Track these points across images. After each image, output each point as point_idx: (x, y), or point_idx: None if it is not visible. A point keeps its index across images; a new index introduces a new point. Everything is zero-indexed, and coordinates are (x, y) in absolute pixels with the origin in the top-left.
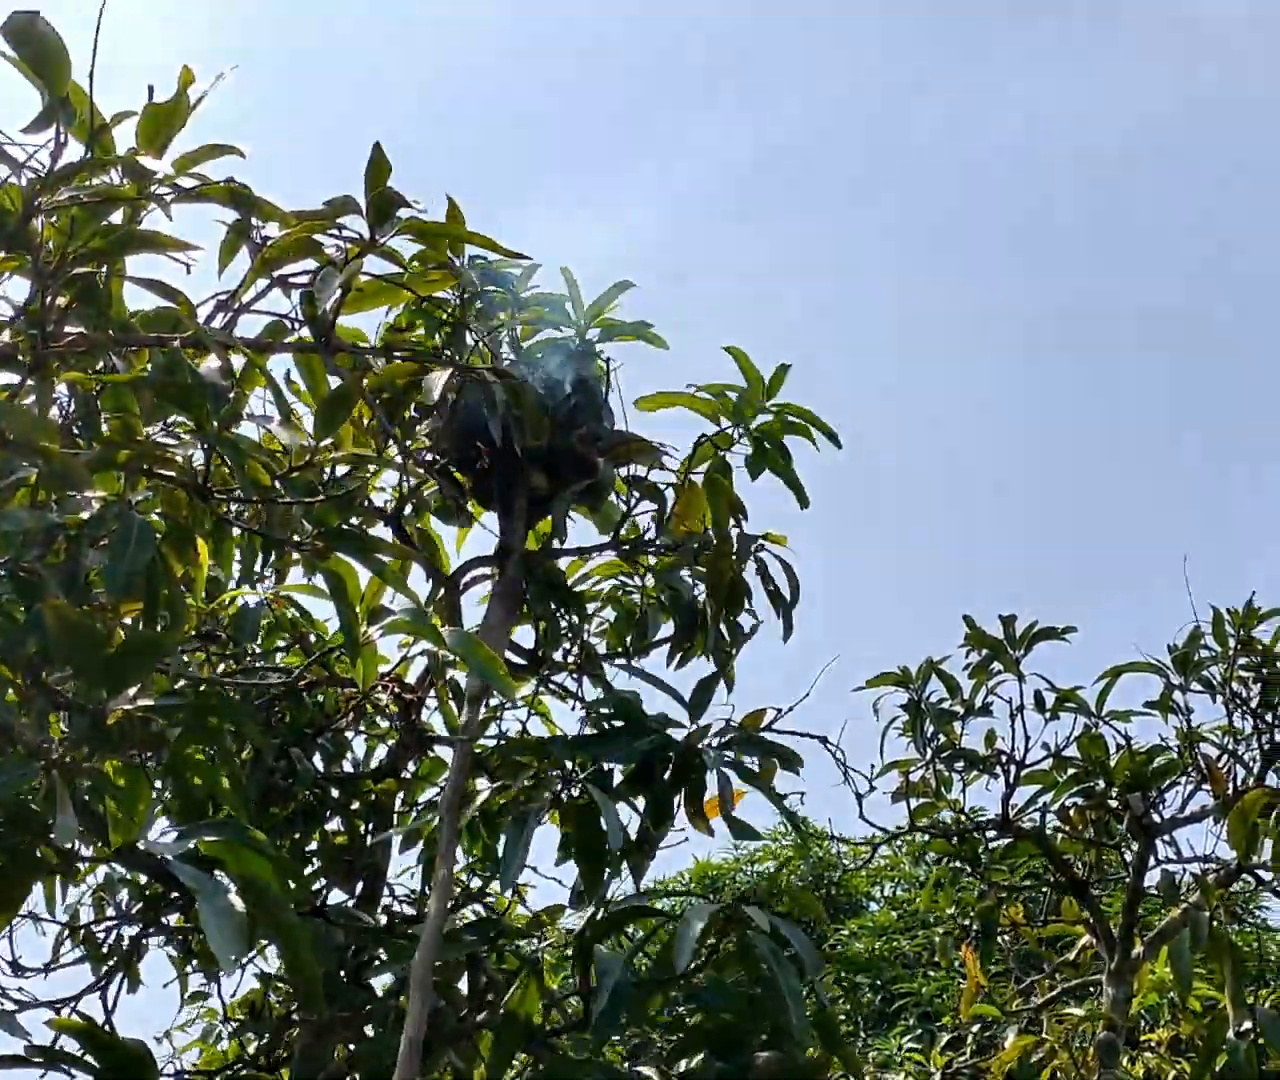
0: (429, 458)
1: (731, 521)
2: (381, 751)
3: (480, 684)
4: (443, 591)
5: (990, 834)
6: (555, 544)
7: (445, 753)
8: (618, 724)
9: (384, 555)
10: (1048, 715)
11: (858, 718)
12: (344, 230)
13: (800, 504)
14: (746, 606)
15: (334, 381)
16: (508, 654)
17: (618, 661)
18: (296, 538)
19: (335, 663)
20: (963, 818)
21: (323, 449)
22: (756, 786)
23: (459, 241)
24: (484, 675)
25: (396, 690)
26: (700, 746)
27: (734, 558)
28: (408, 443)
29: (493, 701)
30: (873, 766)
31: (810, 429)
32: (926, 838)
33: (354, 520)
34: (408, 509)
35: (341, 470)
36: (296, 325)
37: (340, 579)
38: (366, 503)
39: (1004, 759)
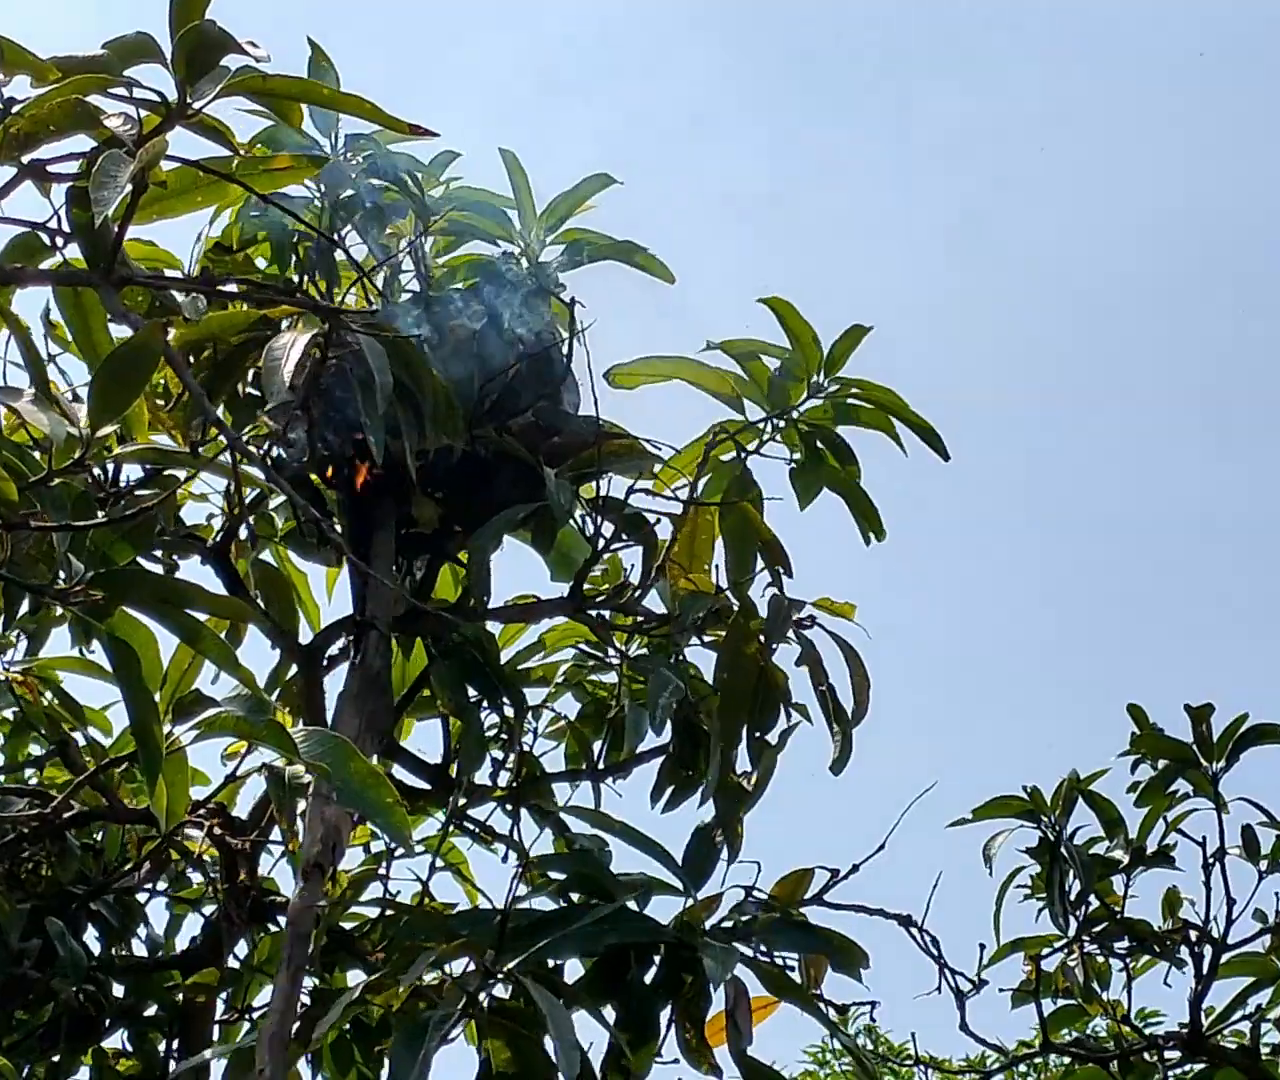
0: (277, 454)
1: (765, 573)
2: (195, 924)
3: (323, 838)
4: (296, 668)
5: (1174, 1055)
6: (474, 600)
7: None
8: (573, 891)
9: (200, 610)
10: (1264, 866)
11: (959, 870)
12: (137, 89)
13: (873, 534)
14: (783, 713)
15: (120, 332)
16: (397, 770)
17: (579, 782)
18: (61, 582)
19: (121, 783)
20: (1128, 1030)
21: (102, 439)
22: (793, 998)
23: (326, 109)
24: (362, 805)
25: (219, 828)
26: (701, 933)
27: (764, 636)
28: (242, 433)
29: (374, 845)
30: (982, 949)
31: (893, 421)
32: (1070, 1062)
33: (155, 553)
34: (242, 533)
35: (133, 472)
36: (60, 241)
37: (130, 651)
38: (174, 527)
39: (1195, 936)
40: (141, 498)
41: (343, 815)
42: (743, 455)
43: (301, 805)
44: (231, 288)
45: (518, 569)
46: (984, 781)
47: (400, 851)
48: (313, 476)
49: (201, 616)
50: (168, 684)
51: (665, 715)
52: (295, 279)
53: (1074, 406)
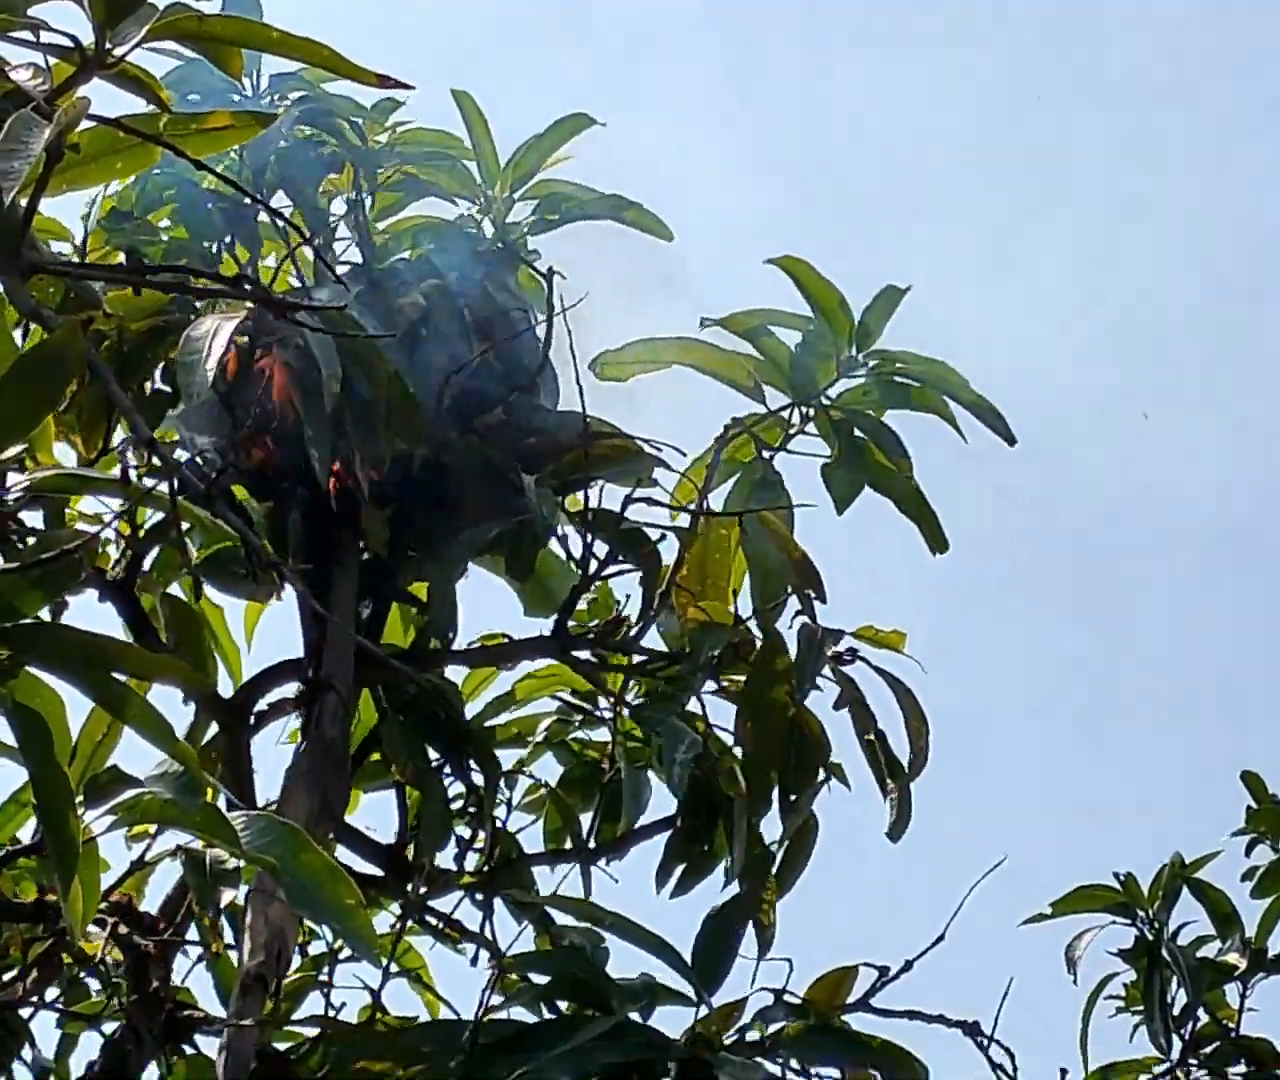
0: (190, 461)
1: (793, 599)
2: (92, 1044)
3: (266, 946)
4: (217, 728)
5: None
6: (436, 640)
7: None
8: (559, 999)
9: (128, 672)
10: None
11: (1038, 971)
12: (44, 33)
13: (933, 546)
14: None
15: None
16: (340, 852)
17: (564, 864)
18: None
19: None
20: None
21: (5, 463)
22: None
23: (273, 54)
24: (315, 906)
25: (124, 927)
26: (719, 1047)
27: (794, 676)
28: (148, 437)
29: (312, 946)
30: (1064, 1075)
31: (946, 400)
32: None
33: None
34: (147, 562)
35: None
36: None
37: (39, 722)
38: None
39: None
40: (57, 537)
41: (288, 916)
42: (765, 454)
43: (227, 896)
44: (130, 270)
45: (479, 604)
46: (1069, 860)
47: (346, 954)
48: (235, 489)
49: (121, 678)
50: (78, 758)
51: (684, 776)
52: (208, 247)
53: (1190, 426)
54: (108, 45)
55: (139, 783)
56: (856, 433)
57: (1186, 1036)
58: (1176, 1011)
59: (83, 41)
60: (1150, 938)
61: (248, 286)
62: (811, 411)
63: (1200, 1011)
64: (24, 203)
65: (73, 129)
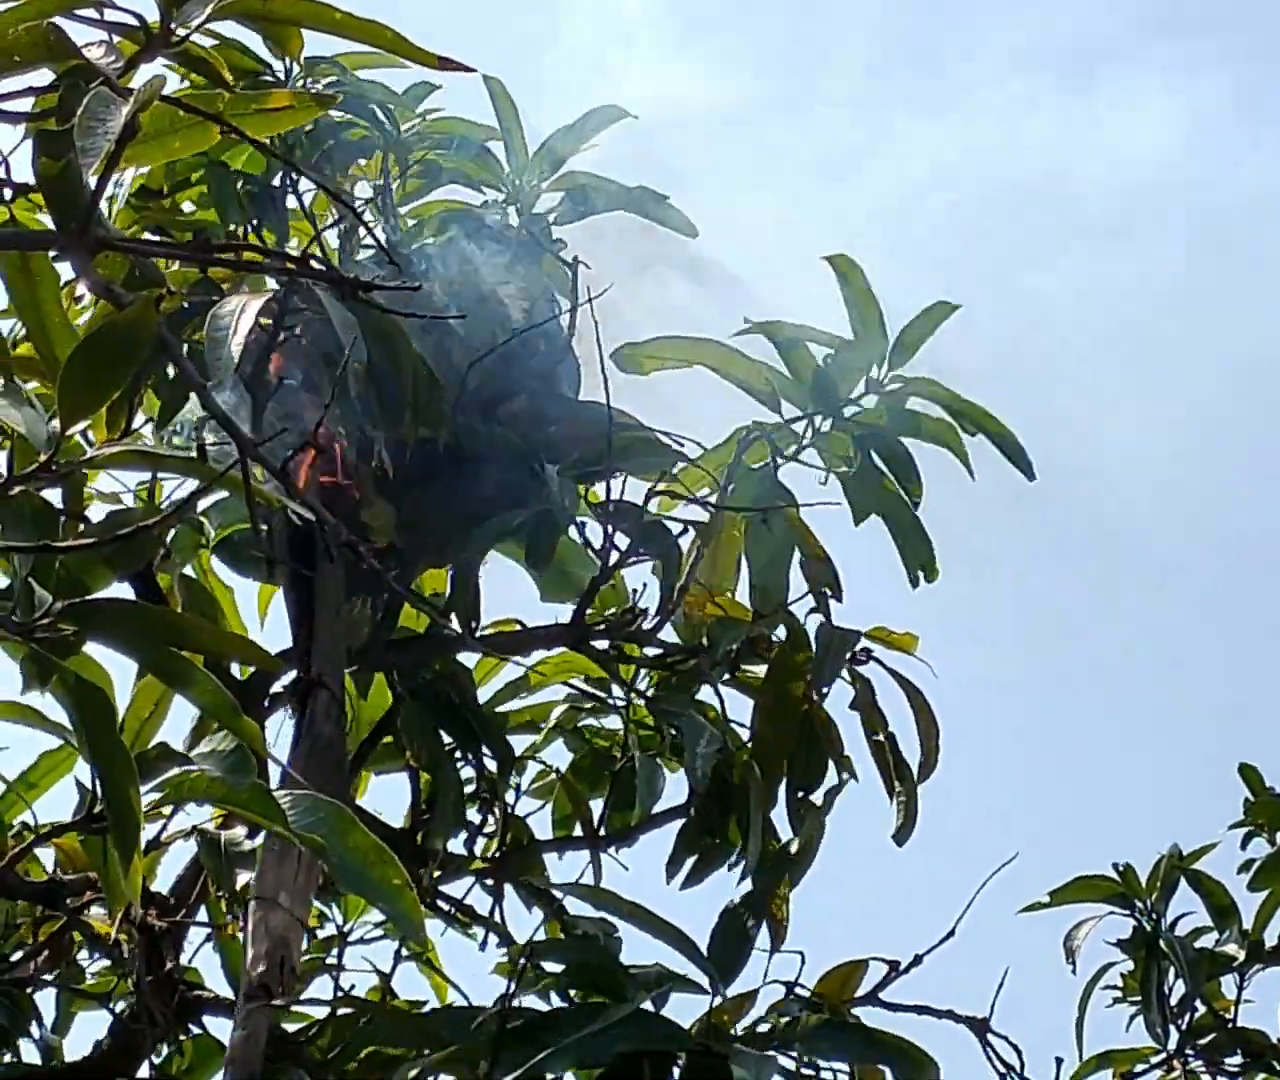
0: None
1: (808, 598)
2: (99, 1023)
3: (269, 954)
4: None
5: None
6: (450, 626)
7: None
8: (573, 987)
9: (197, 649)
10: None
11: (1034, 964)
12: (108, 8)
13: (920, 575)
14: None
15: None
16: None
17: (572, 850)
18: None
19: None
20: None
21: (71, 441)
22: None
23: (335, 35)
24: (363, 887)
25: (139, 907)
26: (732, 1038)
27: (811, 675)
28: (222, 414)
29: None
30: (1059, 1064)
31: (958, 431)
32: None
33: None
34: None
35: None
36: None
37: (102, 698)
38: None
39: None
40: (130, 514)
41: (292, 923)
42: (776, 461)
43: (242, 878)
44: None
45: (493, 588)
46: (1077, 855)
47: (355, 937)
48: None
49: (185, 654)
50: (125, 735)
51: (706, 769)
52: (236, 229)
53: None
54: (172, 25)
55: (188, 760)
56: (872, 452)
57: (1183, 1027)
58: (1174, 1002)
59: (148, 21)
60: (1148, 928)
61: (313, 266)
62: (828, 426)
63: (1197, 1002)
64: (94, 181)
65: (149, 107)
